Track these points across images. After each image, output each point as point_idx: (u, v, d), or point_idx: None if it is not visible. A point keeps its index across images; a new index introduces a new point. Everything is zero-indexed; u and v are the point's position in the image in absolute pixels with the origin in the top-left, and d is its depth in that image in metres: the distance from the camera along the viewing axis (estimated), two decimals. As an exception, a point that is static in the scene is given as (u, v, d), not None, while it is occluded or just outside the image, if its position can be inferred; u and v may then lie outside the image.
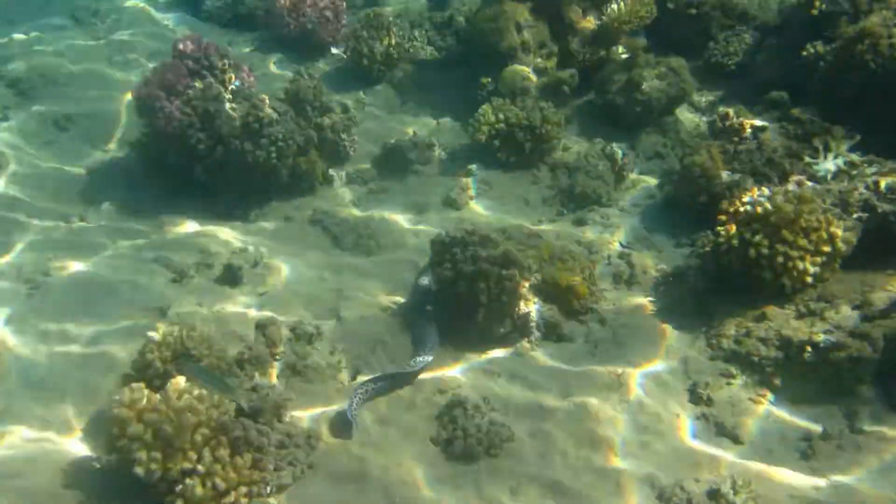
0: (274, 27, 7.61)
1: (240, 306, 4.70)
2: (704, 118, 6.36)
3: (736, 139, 5.48)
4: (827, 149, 5.08)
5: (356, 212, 5.76)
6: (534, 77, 6.46)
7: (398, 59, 7.17)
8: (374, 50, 7.00)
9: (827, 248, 4.23)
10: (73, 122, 6.49)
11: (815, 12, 5.81)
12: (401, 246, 5.39)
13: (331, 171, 6.06)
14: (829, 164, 4.93)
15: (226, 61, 5.51)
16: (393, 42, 7.07)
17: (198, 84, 5.40)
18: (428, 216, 5.70)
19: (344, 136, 6.03)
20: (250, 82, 5.71)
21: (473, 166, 6.05)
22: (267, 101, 5.44)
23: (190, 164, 5.42)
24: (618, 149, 5.99)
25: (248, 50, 7.67)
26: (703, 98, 6.58)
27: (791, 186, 4.55)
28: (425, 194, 5.94)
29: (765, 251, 4.24)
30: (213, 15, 8.17)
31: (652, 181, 5.90)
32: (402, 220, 5.66)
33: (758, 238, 4.27)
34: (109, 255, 5.15)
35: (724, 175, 5.18)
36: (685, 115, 6.45)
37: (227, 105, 5.40)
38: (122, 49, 7.63)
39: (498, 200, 5.84)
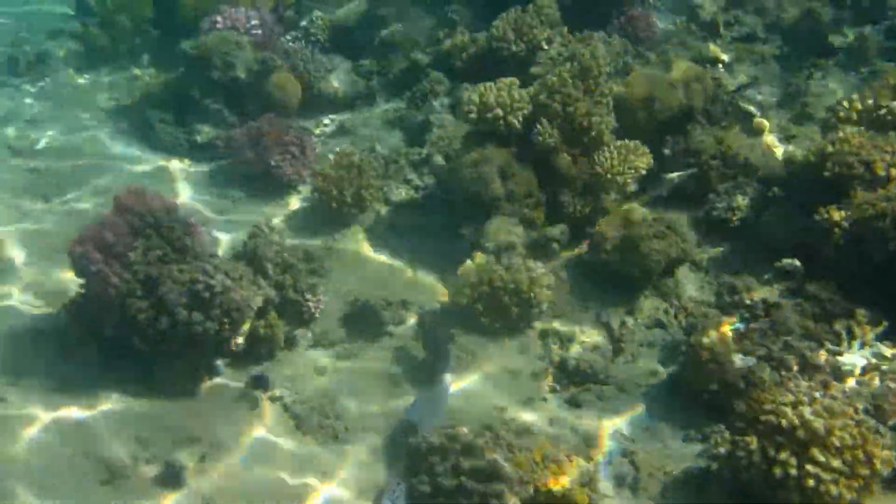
0: (234, 162, 7.31)
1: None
2: (707, 279, 6.07)
3: (747, 315, 5.18)
4: (850, 335, 4.79)
5: (321, 382, 5.33)
6: (520, 231, 6.15)
7: (371, 200, 6.87)
8: (343, 191, 6.69)
9: (864, 471, 3.86)
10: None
11: (827, 174, 5.58)
12: (372, 430, 4.96)
13: (294, 332, 5.67)
14: (854, 356, 4.64)
15: (174, 216, 5.13)
16: (365, 183, 6.77)
17: (140, 244, 4.99)
18: (402, 390, 5.28)
19: (309, 295, 5.64)
20: (202, 239, 5.32)
21: (453, 332, 5.68)
22: (217, 264, 5.04)
23: (129, 333, 4.97)
24: (615, 315, 5.67)
25: (201, 191, 7.33)
26: (704, 255, 6.29)
27: (817, 393, 4.18)
28: (400, 362, 5.55)
29: (792, 472, 3.86)
30: (166, 145, 7.84)
31: (653, 354, 5.54)
32: (374, 395, 5.25)
33: (784, 455, 3.90)
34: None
35: (737, 360, 4.85)
36: (686, 274, 6.16)
37: (174, 269, 4.98)
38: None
39: (482, 373, 5.45)
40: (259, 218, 6.37)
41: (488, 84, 6.48)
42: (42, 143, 7.96)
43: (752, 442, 4.02)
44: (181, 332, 4.91)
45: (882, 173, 5.45)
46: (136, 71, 9.24)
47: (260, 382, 5.16)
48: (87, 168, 7.58)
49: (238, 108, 7.97)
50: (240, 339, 5.17)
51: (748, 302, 5.27)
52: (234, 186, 7.31)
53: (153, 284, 4.95)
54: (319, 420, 5.04)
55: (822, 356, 4.71)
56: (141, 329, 4.93)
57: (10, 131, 8.27)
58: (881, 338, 4.78)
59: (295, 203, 7.16)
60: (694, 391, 4.98)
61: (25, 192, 7.19)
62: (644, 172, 6.37)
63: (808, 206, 5.76)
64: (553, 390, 5.32)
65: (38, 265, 6.26)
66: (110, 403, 5.06)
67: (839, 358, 4.65)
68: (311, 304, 5.64)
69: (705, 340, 4.89)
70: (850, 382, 4.53)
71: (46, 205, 6.99)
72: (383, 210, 6.99)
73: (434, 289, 6.24)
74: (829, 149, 5.68)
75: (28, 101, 9.10)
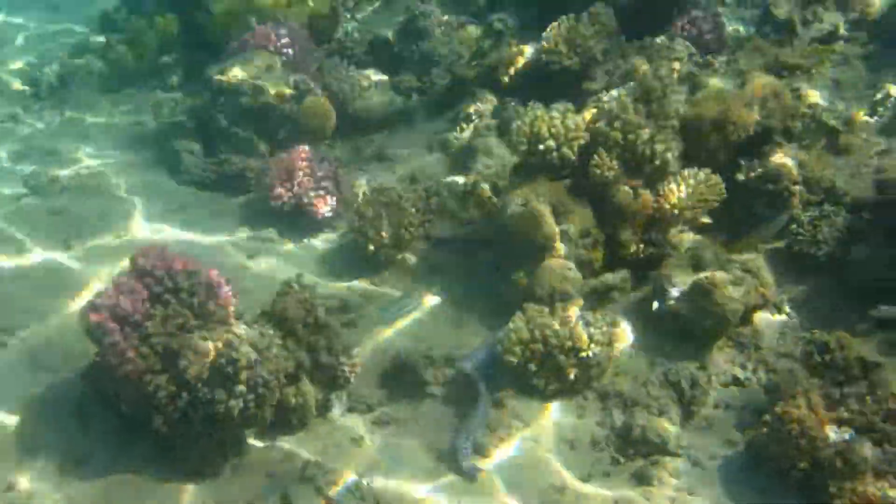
0: (264, 196, 7.06)
1: None
2: (789, 326, 5.65)
3: (841, 378, 4.76)
4: (964, 404, 4.34)
5: (357, 454, 5.05)
6: (576, 275, 5.79)
7: (411, 239, 6.57)
8: (381, 231, 6.40)
9: None
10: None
11: (931, 205, 5.12)
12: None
13: (329, 396, 5.41)
14: (970, 433, 4.18)
15: (196, 281, 4.89)
16: (404, 221, 6.48)
17: (159, 312, 4.76)
18: (445, 466, 4.98)
19: (343, 358, 5.36)
20: (226, 301, 5.07)
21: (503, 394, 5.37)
22: (243, 334, 4.79)
23: (148, 410, 4.75)
24: (685, 372, 5.28)
25: (230, 228, 7.10)
26: (785, 295, 5.87)
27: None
28: (445, 431, 5.24)
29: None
30: (193, 177, 7.64)
31: (730, 418, 5.15)
32: (414, 471, 4.95)
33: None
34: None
35: (831, 433, 4.45)
36: (764, 319, 5.75)
37: (196, 338, 4.74)
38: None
39: (535, 443, 5.12)
40: (291, 271, 6.09)
41: (540, 111, 6.13)
42: (62, 180, 7.74)
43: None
44: (203, 411, 4.66)
45: None
46: (163, 95, 9.05)
47: None
48: (108, 208, 7.36)
49: (269, 135, 7.74)
50: (268, 414, 4.90)
51: (841, 361, 4.82)
52: (266, 223, 7.07)
53: (173, 357, 4.71)
54: (355, 504, 4.76)
55: (932, 432, 4.27)
56: (160, 407, 4.70)
57: (27, 167, 8.10)
58: None
59: (330, 242, 6.90)
60: (779, 468, 4.57)
61: (47, 236, 6.98)
62: (716, 205, 5.95)
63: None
64: (615, 463, 4.96)
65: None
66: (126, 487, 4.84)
67: (952, 435, 4.21)
68: (346, 367, 5.36)
69: (794, 411, 4.48)
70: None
71: (67, 252, 6.77)
72: (425, 248, 6.67)
73: (482, 335, 5.90)
74: (932, 177, 5.21)
75: (47, 129, 8.98)
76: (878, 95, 7.38)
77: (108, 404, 5.11)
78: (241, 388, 4.68)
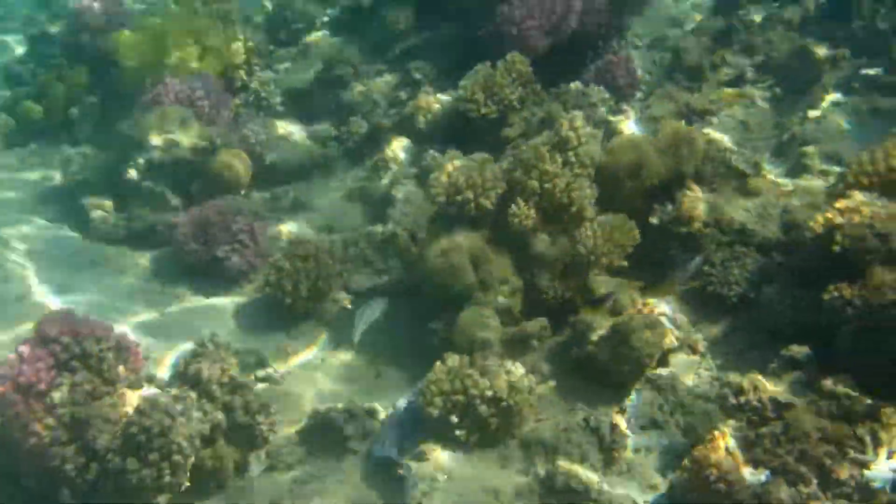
0: (177, 251, 6.97)
1: None
2: (704, 367, 5.75)
3: (755, 419, 4.86)
4: (876, 440, 4.47)
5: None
6: (496, 324, 5.83)
7: (329, 291, 6.55)
8: (298, 285, 6.36)
9: None
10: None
11: (836, 248, 5.28)
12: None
13: (247, 456, 5.33)
14: (883, 468, 4.33)
15: (105, 345, 4.78)
16: (322, 273, 6.46)
17: (66, 380, 4.64)
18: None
19: (261, 417, 5.29)
20: (137, 365, 4.98)
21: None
22: (154, 399, 4.69)
23: (54, 483, 4.61)
24: (604, 420, 5.33)
25: (142, 284, 6.98)
26: (700, 336, 5.98)
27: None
28: (368, 485, 5.19)
29: None
30: (102, 233, 7.50)
31: (650, 462, 5.20)
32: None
33: None
34: None
35: (748, 475, 4.52)
36: (680, 359, 5.84)
37: (106, 405, 4.64)
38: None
39: (458, 496, 5.09)
40: (206, 328, 6.02)
41: (457, 161, 6.20)
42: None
43: None
44: (114, 482, 4.54)
45: (900, 244, 5.15)
46: (70, 150, 8.88)
47: None
48: (9, 271, 7.13)
49: (183, 189, 7.65)
50: (183, 480, 4.79)
51: (755, 403, 4.93)
52: (178, 280, 6.99)
53: (82, 427, 4.59)
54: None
55: (846, 470, 4.37)
56: (68, 480, 4.56)
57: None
58: (907, 441, 4.46)
59: (246, 296, 6.86)
60: (700, 513, 4.63)
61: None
62: (631, 249, 6.06)
63: (816, 281, 5.47)
64: (540, 513, 4.99)
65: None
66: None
67: (866, 472, 4.32)
68: (263, 426, 5.30)
69: (711, 456, 4.55)
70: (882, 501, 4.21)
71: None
72: (344, 299, 6.65)
73: (402, 388, 5.93)
74: (839, 220, 5.38)
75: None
76: (784, 137, 7.64)
77: (10, 479, 4.94)
78: (154, 455, 4.58)
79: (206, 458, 5.04)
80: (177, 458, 4.63)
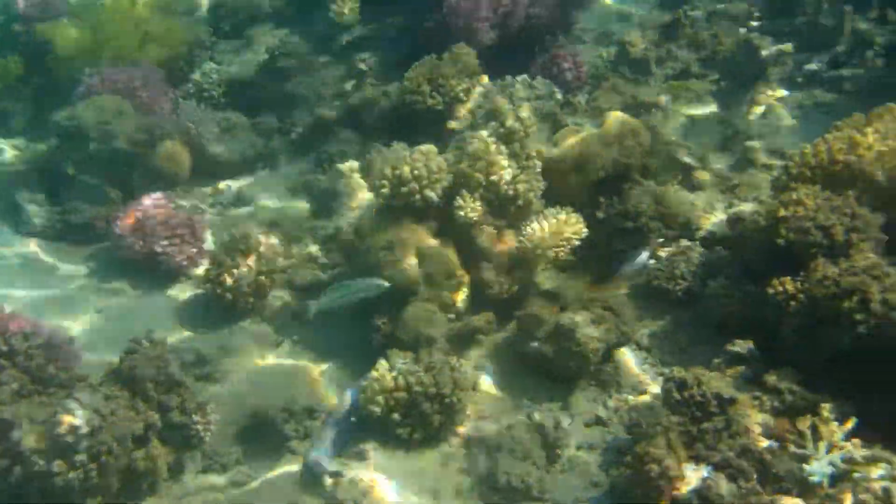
0: (115, 246, 6.78)
1: None
2: (649, 362, 5.74)
3: (699, 414, 4.84)
4: (816, 435, 4.47)
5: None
6: (441, 319, 5.77)
7: (271, 286, 6.42)
8: (239, 280, 6.22)
9: None
10: None
11: (780, 242, 5.28)
12: None
13: (182, 456, 5.21)
14: (823, 464, 4.32)
15: (34, 343, 4.61)
16: (264, 268, 6.32)
17: (-10, 379, 4.48)
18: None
19: (197, 417, 5.16)
20: (68, 363, 4.82)
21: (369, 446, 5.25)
22: (84, 399, 4.53)
23: (-22, 486, 4.44)
24: (548, 416, 5.29)
25: (79, 281, 6.78)
26: (644, 330, 5.96)
27: None
28: (303, 489, 5.09)
29: None
30: (37, 228, 7.27)
31: (594, 459, 5.16)
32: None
33: None
34: None
35: (689, 473, 4.50)
36: (626, 356, 5.82)
37: (34, 404, 4.48)
38: None
39: (399, 496, 5.01)
40: (144, 325, 5.85)
41: (403, 153, 6.12)
42: None
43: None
44: (39, 485, 4.38)
45: (841, 240, 5.16)
46: (4, 141, 8.62)
47: None
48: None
49: (121, 182, 7.46)
50: (113, 482, 4.64)
51: (699, 398, 4.91)
52: (116, 276, 6.80)
53: (6, 428, 4.42)
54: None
55: (786, 465, 4.38)
56: (-9, 480, 4.40)
57: None
58: (849, 436, 4.46)
59: (186, 293, 6.68)
60: (641, 510, 4.60)
61: None
62: (577, 243, 6.02)
63: (760, 275, 5.47)
64: (482, 510, 4.93)
65: None
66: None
67: (806, 466, 4.32)
68: (199, 426, 5.16)
69: (653, 451, 4.52)
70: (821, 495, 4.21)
71: None
72: (286, 296, 6.52)
73: (345, 384, 5.79)
74: (782, 212, 5.37)
75: None
76: (729, 131, 7.66)
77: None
78: (82, 457, 4.43)
79: (139, 460, 4.89)
80: (106, 458, 4.48)
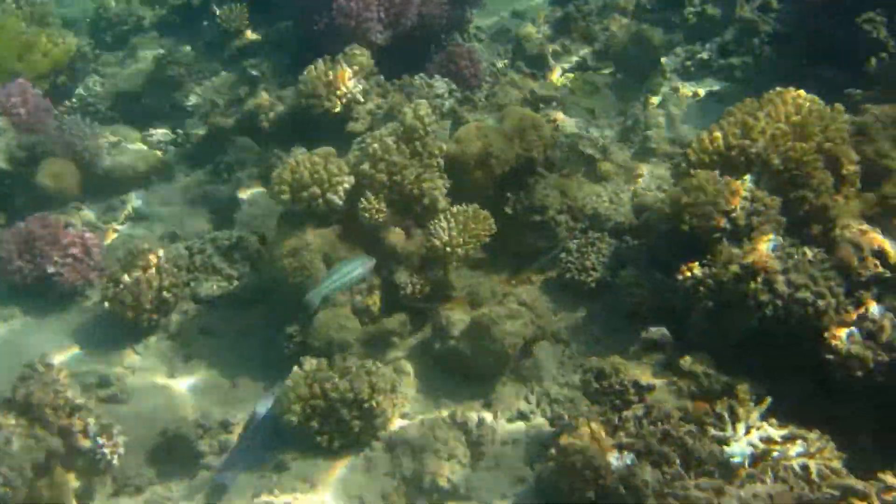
0: (2, 270, 6.42)
1: None
2: (567, 355, 5.74)
3: (618, 402, 4.86)
4: (734, 416, 4.53)
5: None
6: (354, 324, 5.65)
7: (175, 301, 6.19)
8: (139, 297, 5.98)
9: None
10: None
11: (685, 228, 5.35)
12: None
13: (91, 481, 4.97)
14: (742, 444, 4.37)
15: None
16: (166, 283, 6.09)
17: None
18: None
19: (102, 439, 4.92)
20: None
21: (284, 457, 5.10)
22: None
23: None
24: (470, 414, 5.23)
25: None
26: (562, 323, 5.97)
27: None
28: None
29: None
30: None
31: (518, 454, 5.12)
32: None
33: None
34: None
35: (613, 460, 4.49)
36: (544, 350, 5.81)
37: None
38: None
39: (323, 505, 4.89)
40: (39, 349, 5.57)
41: (300, 157, 5.98)
42: None
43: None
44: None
45: (743, 223, 5.25)
46: None
47: None
48: None
49: (4, 204, 7.08)
50: (14, 518, 4.40)
51: (617, 386, 4.93)
52: (6, 301, 6.44)
53: None
54: None
55: (706, 447, 4.40)
56: None
57: None
58: (765, 416, 4.53)
59: (83, 314, 6.37)
60: (570, 501, 4.56)
61: None
62: (487, 239, 5.98)
63: (667, 263, 5.54)
64: (408, 513, 4.84)
65: None
66: None
67: (726, 448, 4.36)
68: (106, 448, 4.93)
69: (577, 443, 4.50)
70: (742, 476, 4.25)
71: None
72: (191, 309, 6.30)
73: (258, 394, 5.64)
74: (685, 199, 5.44)
75: None
76: (629, 122, 7.78)
77: None
78: (-23, 492, 4.18)
79: (42, 488, 4.65)
80: (3, 490, 4.23)
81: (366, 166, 5.92)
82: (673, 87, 8.46)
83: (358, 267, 5.48)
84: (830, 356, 4.77)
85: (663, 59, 8.59)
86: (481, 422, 5.21)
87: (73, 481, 4.87)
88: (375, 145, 5.94)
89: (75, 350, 6.01)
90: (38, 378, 4.83)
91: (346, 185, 5.89)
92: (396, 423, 5.30)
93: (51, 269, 6.28)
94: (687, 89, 8.41)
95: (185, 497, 5.02)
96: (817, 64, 7.62)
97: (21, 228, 6.44)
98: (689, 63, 8.64)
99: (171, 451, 5.26)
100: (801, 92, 5.86)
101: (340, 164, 5.92)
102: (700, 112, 8.06)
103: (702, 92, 8.41)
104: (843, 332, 4.83)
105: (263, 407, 5.34)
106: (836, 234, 5.33)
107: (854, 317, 4.87)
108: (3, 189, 7.10)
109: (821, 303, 4.81)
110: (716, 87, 8.41)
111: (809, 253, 5.13)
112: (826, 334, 4.83)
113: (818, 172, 5.50)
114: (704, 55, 8.66)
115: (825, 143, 5.60)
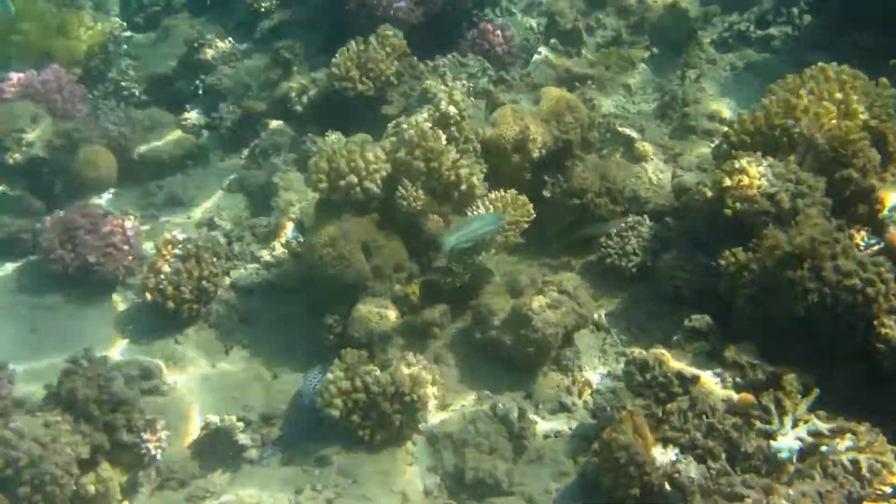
0: (44, 259, 6.44)
1: None
2: (609, 343, 5.68)
3: (662, 395, 4.80)
4: (781, 409, 4.44)
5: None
6: (393, 315, 5.61)
7: (215, 290, 6.18)
8: (181, 287, 5.98)
9: None
10: None
11: (728, 212, 5.24)
12: None
13: (136, 475, 5.01)
14: (790, 439, 4.30)
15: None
16: (205, 272, 6.08)
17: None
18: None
19: (146, 434, 4.95)
20: (4, 389, 4.57)
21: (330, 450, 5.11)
22: (21, 429, 4.31)
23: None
24: (512, 407, 5.18)
25: (8, 298, 6.44)
26: (602, 310, 5.90)
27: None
28: (268, 495, 4.93)
29: None
30: (-48, 244, 6.91)
31: (561, 448, 5.07)
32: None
33: None
34: None
35: (658, 455, 4.44)
36: (586, 338, 5.75)
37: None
38: None
39: (366, 500, 4.87)
40: (83, 342, 5.58)
41: (337, 145, 5.91)
42: None
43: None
44: (-15, 524, 4.16)
45: (787, 206, 5.13)
46: None
47: None
48: None
49: (44, 191, 7.08)
50: (63, 513, 4.44)
51: (661, 378, 4.86)
52: (48, 290, 6.45)
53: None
54: None
55: (753, 442, 4.34)
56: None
57: None
58: (812, 408, 4.45)
59: (124, 304, 6.39)
60: (614, 496, 4.52)
61: None
62: (527, 225, 5.91)
63: (710, 246, 5.44)
64: (451, 509, 4.83)
65: None
66: None
67: (773, 443, 4.29)
68: (150, 443, 4.96)
69: (621, 438, 4.45)
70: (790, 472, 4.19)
71: None
72: (232, 298, 6.29)
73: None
74: (728, 182, 5.33)
75: None
76: (666, 98, 7.62)
77: None
78: (25, 489, 4.22)
79: (89, 484, 4.69)
80: (51, 489, 4.27)
81: (402, 153, 5.83)
82: (710, 60, 8.26)
83: (491, 223, 5.59)
84: (880, 345, 4.65)
85: (699, 32, 8.38)
86: (522, 414, 5.16)
87: (118, 476, 4.88)
88: (412, 132, 5.85)
89: (118, 341, 6.02)
90: (82, 373, 4.85)
91: (383, 173, 5.82)
92: (438, 417, 5.26)
93: (92, 259, 6.28)
94: (724, 62, 8.21)
95: (226, 491, 5.02)
96: (853, 31, 7.40)
97: (61, 217, 6.44)
98: (726, 35, 8.42)
99: (214, 444, 5.26)
100: (845, 67, 5.71)
101: (377, 152, 5.84)
102: (738, 85, 7.88)
103: (741, 64, 8.21)
104: (892, 321, 4.70)
105: (310, 386, 5.34)
106: (883, 215, 5.21)
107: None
108: (42, 177, 7.09)
109: (870, 290, 4.67)
110: (754, 60, 8.20)
111: (857, 237, 5.02)
112: (875, 322, 4.70)
113: (864, 151, 5.38)
114: (742, 26, 8.43)
115: (871, 119, 5.46)
